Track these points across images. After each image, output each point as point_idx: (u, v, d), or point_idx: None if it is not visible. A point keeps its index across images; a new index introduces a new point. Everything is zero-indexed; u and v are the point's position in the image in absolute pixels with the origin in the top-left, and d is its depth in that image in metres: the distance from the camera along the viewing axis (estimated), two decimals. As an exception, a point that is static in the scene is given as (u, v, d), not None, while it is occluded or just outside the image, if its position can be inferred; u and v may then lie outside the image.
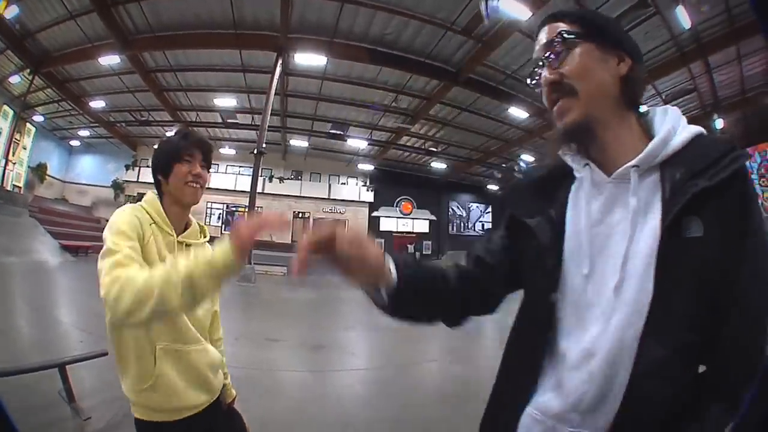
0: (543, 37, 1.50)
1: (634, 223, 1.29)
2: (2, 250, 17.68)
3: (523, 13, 18.73)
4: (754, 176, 27.27)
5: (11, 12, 23.10)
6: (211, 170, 2.66)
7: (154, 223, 2.38)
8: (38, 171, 39.66)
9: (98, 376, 6.04)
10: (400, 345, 10.44)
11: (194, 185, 2.50)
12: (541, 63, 1.50)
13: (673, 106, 1.44)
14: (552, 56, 1.45)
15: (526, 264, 1.57)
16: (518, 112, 29.73)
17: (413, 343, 10.67)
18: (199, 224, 2.71)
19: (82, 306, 11.76)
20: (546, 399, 1.41)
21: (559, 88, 1.43)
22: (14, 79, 30.86)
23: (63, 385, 5.37)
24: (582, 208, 1.43)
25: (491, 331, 11.88)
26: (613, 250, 1.32)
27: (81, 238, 28.02)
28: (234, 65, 27.40)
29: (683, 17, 19.22)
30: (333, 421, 6.04)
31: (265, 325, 11.58)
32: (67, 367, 5.46)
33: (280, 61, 24.28)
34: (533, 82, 1.57)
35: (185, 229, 2.60)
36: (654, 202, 1.29)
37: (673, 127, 1.36)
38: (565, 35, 1.43)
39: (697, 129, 1.35)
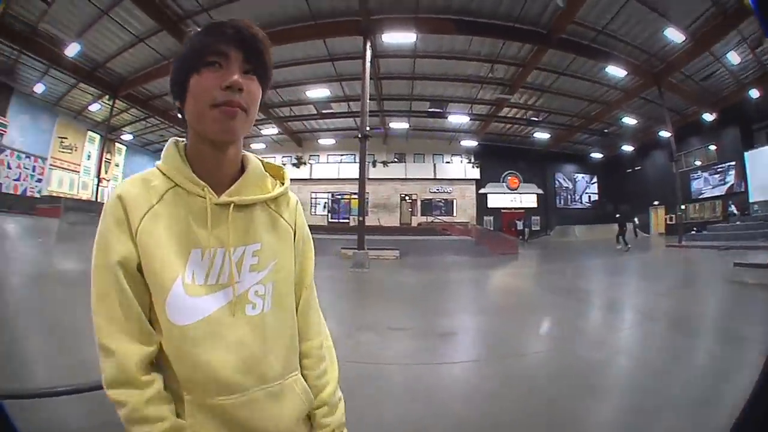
0: None
1: None
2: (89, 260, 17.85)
3: None
4: None
5: (74, 50, 25.89)
6: (268, 85, 1.56)
7: (177, 185, 1.44)
8: None
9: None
10: (533, 329, 9.45)
11: (225, 108, 1.37)
12: None
13: None
14: None
15: None
16: (615, 71, 28.81)
17: (548, 327, 9.76)
18: (267, 165, 1.67)
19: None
20: None
21: None
22: (94, 107, 34.48)
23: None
24: None
25: (632, 314, 11.11)
26: None
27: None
28: (320, 56, 28.07)
29: None
30: (478, 420, 5.23)
31: (385, 313, 10.77)
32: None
33: (368, 44, 24.27)
34: None
35: (234, 180, 1.52)
36: None
37: None
38: None
39: None
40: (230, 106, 1.36)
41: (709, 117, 34.30)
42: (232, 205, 1.46)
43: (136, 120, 38.19)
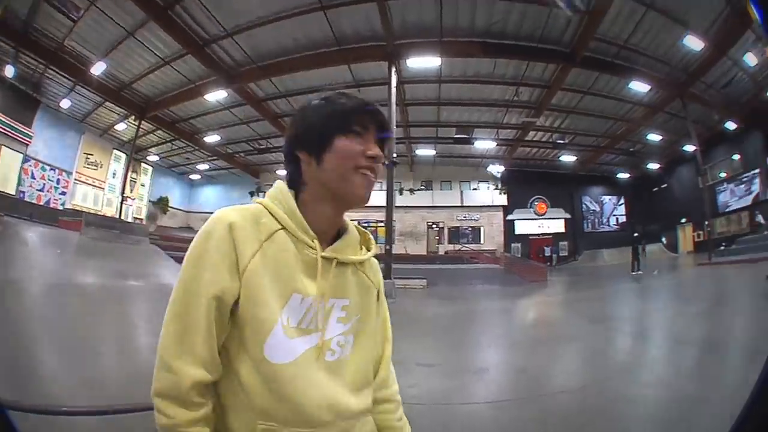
0: None
1: None
2: (120, 275, 17.52)
3: None
4: None
5: (99, 68, 26.53)
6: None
7: (283, 228, 1.51)
8: (160, 204, 45.08)
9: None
10: (569, 363, 9.25)
11: (368, 174, 1.54)
12: None
13: None
14: None
15: None
16: (639, 86, 28.80)
17: (584, 361, 9.39)
18: (358, 229, 1.78)
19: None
20: None
21: None
22: (120, 126, 35.63)
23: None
24: None
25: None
26: None
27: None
28: (345, 81, 28.08)
29: None
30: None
31: (413, 346, 10.39)
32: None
33: (393, 70, 24.59)
34: None
35: (336, 238, 1.64)
36: None
37: None
38: None
39: None
40: (372, 173, 1.55)
41: (731, 125, 33.66)
42: (335, 261, 1.56)
43: (163, 142, 38.95)
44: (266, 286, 1.41)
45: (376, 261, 1.79)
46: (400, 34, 23.08)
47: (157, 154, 41.91)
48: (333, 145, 1.50)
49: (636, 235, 31.67)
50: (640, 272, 26.66)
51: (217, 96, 27.71)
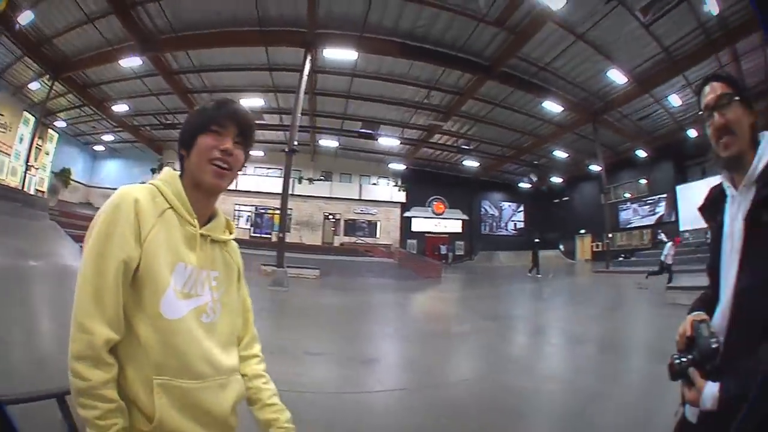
0: (710, 90, 2.04)
1: (734, 216, 1.97)
2: (20, 254, 17.02)
3: (557, 2, 18.64)
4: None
5: (26, 18, 23.43)
6: (249, 155, 2.06)
7: (171, 207, 1.82)
8: (62, 176, 41.17)
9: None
10: (458, 355, 9.67)
11: (220, 164, 1.87)
12: (709, 109, 2.04)
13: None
14: (720, 107, 1.98)
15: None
16: (552, 106, 29.48)
17: (473, 353, 9.89)
18: (225, 218, 2.12)
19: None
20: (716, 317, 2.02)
21: (725, 130, 1.97)
22: (34, 86, 31.64)
23: (64, 418, 4.51)
24: (728, 213, 2.05)
25: (553, 339, 11.57)
26: (735, 235, 1.96)
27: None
28: (260, 64, 27.14)
29: (711, 3, 19.26)
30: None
31: (303, 335, 10.56)
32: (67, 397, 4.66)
33: (308, 58, 23.82)
34: (702, 113, 2.10)
35: (208, 221, 2.00)
36: (747, 202, 1.91)
37: (763, 152, 1.93)
38: (730, 94, 1.98)
39: None
40: (222, 165, 1.86)
41: (642, 153, 37.38)
42: (209, 238, 1.93)
43: (72, 107, 36.02)
44: (161, 254, 1.70)
45: (236, 244, 2.15)
46: (324, 23, 22.45)
47: (65, 120, 39.23)
48: (196, 143, 1.86)
49: (537, 240, 33.65)
50: (539, 275, 28.59)
51: (131, 62, 26.13)
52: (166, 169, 1.95)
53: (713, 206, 2.20)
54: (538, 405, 6.59)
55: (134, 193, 1.73)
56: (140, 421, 1.69)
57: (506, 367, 8.36)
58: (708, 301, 2.16)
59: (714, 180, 2.22)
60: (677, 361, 1.94)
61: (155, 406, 1.67)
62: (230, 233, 2.09)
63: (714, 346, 1.85)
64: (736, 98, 1.98)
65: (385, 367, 8.51)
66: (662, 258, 21.84)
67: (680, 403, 2.06)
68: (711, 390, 1.79)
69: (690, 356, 1.91)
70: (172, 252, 1.76)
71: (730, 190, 2.07)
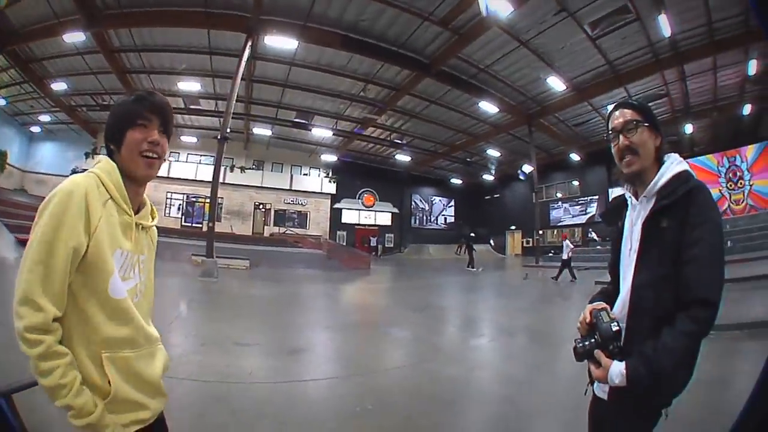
0: (619, 115, 2.40)
1: (634, 222, 2.38)
2: None
3: (505, 9, 19.03)
4: (722, 179, 30.01)
5: None
6: (170, 140, 2.27)
7: (111, 199, 2.02)
8: None
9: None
10: (384, 345, 9.85)
11: (150, 155, 2.11)
12: (616, 132, 2.40)
13: (673, 154, 2.40)
14: (627, 131, 2.35)
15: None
16: (488, 107, 30.03)
17: (398, 342, 10.09)
18: (151, 204, 2.37)
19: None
20: (616, 307, 2.38)
21: (628, 150, 2.35)
22: None
23: (11, 418, 4.46)
24: (628, 219, 2.45)
25: (476, 329, 11.97)
26: (633, 237, 2.36)
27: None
28: (200, 47, 26.30)
29: (665, 25, 19.98)
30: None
31: (232, 326, 10.52)
32: (14, 396, 4.58)
33: (249, 44, 23.40)
34: (609, 136, 2.47)
35: (139, 209, 2.23)
36: (645, 211, 2.31)
37: (665, 170, 2.30)
38: (638, 121, 2.36)
39: (675, 170, 2.28)
40: (152, 155, 2.10)
41: (576, 157, 39.65)
42: (140, 226, 2.18)
43: (12, 83, 34.93)
44: (106, 242, 1.92)
45: (156, 230, 2.41)
46: (268, 9, 21.97)
47: (4, 98, 37.82)
48: (125, 138, 2.06)
49: (472, 234, 34.64)
50: (478, 269, 29.52)
51: (75, 38, 25.33)
52: (104, 159, 2.11)
53: (615, 213, 2.60)
54: (466, 391, 6.79)
55: (85, 184, 1.90)
56: (95, 397, 1.90)
57: (435, 357, 8.51)
58: (608, 295, 2.54)
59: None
60: (580, 345, 2.24)
61: (110, 378, 1.92)
62: (153, 219, 2.33)
63: (615, 329, 2.17)
64: (646, 124, 2.35)
65: (314, 356, 8.61)
66: (564, 256, 22.84)
67: (588, 382, 2.40)
68: (618, 368, 2.09)
69: (592, 340, 2.21)
70: (113, 239, 1.97)
71: (631, 200, 2.46)
